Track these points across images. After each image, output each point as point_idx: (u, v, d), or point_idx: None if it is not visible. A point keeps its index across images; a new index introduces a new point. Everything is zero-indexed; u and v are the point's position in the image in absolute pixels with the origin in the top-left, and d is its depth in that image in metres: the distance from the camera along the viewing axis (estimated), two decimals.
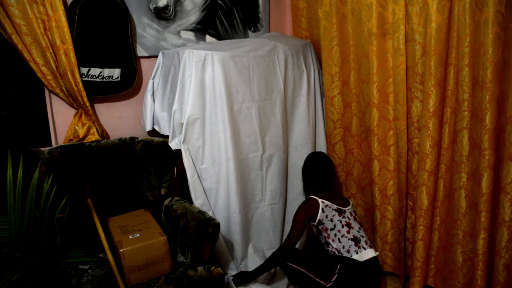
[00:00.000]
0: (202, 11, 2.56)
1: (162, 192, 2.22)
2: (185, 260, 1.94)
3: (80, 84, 2.08)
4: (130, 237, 1.80)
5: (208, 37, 2.62)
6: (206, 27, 2.59)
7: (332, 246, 2.02)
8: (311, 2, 2.67)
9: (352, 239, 2.01)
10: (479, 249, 1.89)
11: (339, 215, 2.07)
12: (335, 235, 2.02)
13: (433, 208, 2.13)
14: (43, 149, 2.04)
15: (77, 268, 1.84)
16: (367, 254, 2.00)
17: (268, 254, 2.27)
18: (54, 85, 2.08)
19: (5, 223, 1.75)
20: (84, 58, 2.10)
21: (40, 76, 2.03)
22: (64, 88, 2.10)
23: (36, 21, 1.94)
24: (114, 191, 2.15)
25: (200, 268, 1.79)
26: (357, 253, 1.98)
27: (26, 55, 1.96)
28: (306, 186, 2.34)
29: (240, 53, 2.21)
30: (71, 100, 2.15)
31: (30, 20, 1.92)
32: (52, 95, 2.18)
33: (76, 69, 2.05)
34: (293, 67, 2.43)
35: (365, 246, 2.02)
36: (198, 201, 2.14)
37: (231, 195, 2.20)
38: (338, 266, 1.94)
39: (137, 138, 2.29)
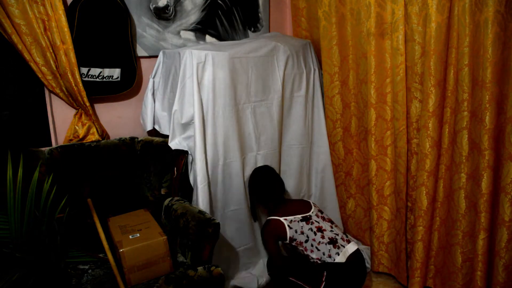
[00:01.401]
0: (202, 11, 2.56)
1: (162, 192, 2.22)
2: (185, 260, 1.94)
3: (80, 84, 2.09)
4: (130, 237, 1.80)
5: (208, 37, 2.62)
6: (206, 27, 2.60)
7: (312, 257, 2.01)
8: (311, 2, 2.67)
9: (329, 243, 2.00)
10: (479, 249, 1.89)
11: (307, 223, 2.04)
12: (312, 245, 2.01)
13: (432, 208, 2.13)
14: (43, 149, 2.04)
15: (77, 268, 1.84)
16: (348, 250, 1.99)
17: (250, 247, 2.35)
18: (54, 85, 2.08)
19: (5, 223, 1.75)
20: (84, 58, 2.10)
21: (40, 76, 2.03)
22: (64, 88, 2.10)
23: (36, 21, 1.94)
24: (114, 191, 2.15)
25: (200, 268, 1.79)
26: (338, 254, 1.97)
27: (26, 55, 1.96)
28: (262, 203, 2.30)
29: (240, 54, 2.22)
30: (71, 100, 2.15)
31: (30, 20, 1.92)
32: (52, 95, 2.19)
33: (76, 69, 2.05)
34: (293, 67, 2.43)
35: (343, 243, 2.02)
36: (202, 207, 2.13)
37: (227, 194, 2.25)
38: (325, 274, 1.93)
39: (137, 138, 2.29)
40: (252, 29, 2.83)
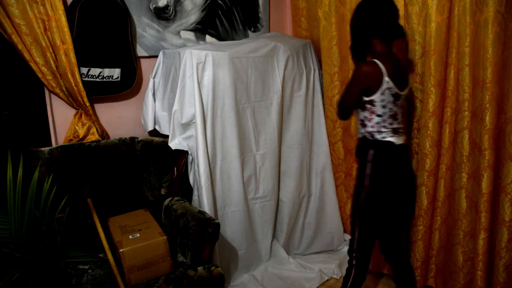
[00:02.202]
0: (202, 11, 2.56)
1: (162, 192, 2.22)
2: (185, 260, 1.94)
3: (80, 84, 2.08)
4: (130, 237, 1.80)
5: (208, 37, 2.62)
6: (206, 27, 2.59)
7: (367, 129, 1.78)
8: (311, 2, 2.67)
9: (392, 131, 1.76)
10: (479, 249, 1.89)
11: (393, 102, 1.73)
12: (377, 123, 1.74)
13: (433, 208, 2.12)
14: (43, 149, 2.04)
15: (77, 268, 1.84)
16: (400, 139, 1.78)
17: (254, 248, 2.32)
18: (54, 85, 2.08)
19: (5, 223, 1.75)
20: (84, 58, 2.10)
21: (40, 76, 2.03)
22: (64, 88, 2.10)
23: (36, 21, 1.94)
24: (114, 191, 2.15)
25: (200, 268, 1.79)
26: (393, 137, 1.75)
27: (26, 55, 1.96)
28: (380, 36, 1.74)
29: (240, 54, 2.22)
30: (71, 100, 2.15)
31: (30, 20, 1.92)
32: (52, 95, 2.19)
33: (76, 69, 2.05)
34: (293, 67, 2.43)
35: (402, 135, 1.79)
36: (207, 208, 2.14)
37: (226, 194, 2.25)
38: (371, 152, 1.74)
39: (137, 138, 2.29)
40: (252, 29, 2.83)
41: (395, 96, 1.73)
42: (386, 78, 1.67)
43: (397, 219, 1.87)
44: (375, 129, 1.75)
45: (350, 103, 1.78)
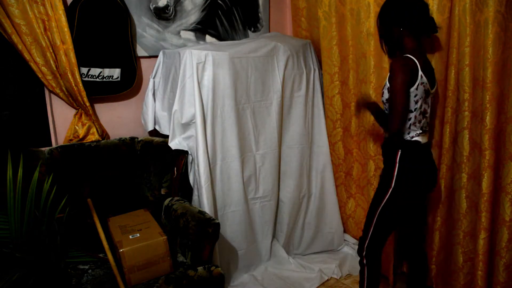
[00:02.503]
0: (202, 11, 2.56)
1: (162, 192, 2.22)
2: (185, 260, 1.94)
3: (80, 84, 2.08)
4: (130, 237, 1.80)
5: (208, 37, 2.62)
6: (206, 27, 2.59)
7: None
8: (311, 2, 2.67)
9: (421, 128, 1.75)
10: (480, 249, 1.88)
11: (424, 99, 1.72)
12: (409, 119, 1.71)
13: (434, 208, 2.12)
14: (43, 149, 2.04)
15: (77, 268, 1.84)
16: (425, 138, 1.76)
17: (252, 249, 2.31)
18: (54, 85, 2.08)
19: (5, 223, 1.75)
20: (84, 58, 2.10)
21: (40, 76, 2.03)
22: (64, 88, 2.10)
23: (36, 21, 1.94)
24: (114, 191, 2.15)
25: (200, 268, 1.79)
26: (418, 135, 1.73)
27: (26, 55, 1.96)
28: (413, 31, 1.72)
29: (240, 54, 2.22)
30: (71, 100, 2.15)
31: (30, 20, 1.92)
32: (52, 95, 2.18)
33: (76, 69, 2.05)
34: (293, 67, 2.43)
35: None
36: (207, 208, 2.14)
37: (226, 194, 2.25)
38: (399, 152, 1.73)
39: (137, 138, 2.29)
40: (252, 29, 2.83)
41: (427, 93, 1.72)
42: (421, 72, 1.67)
43: (420, 219, 1.89)
44: (405, 127, 1.73)
45: (403, 101, 1.64)
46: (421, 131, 1.75)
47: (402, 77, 1.63)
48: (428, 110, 1.79)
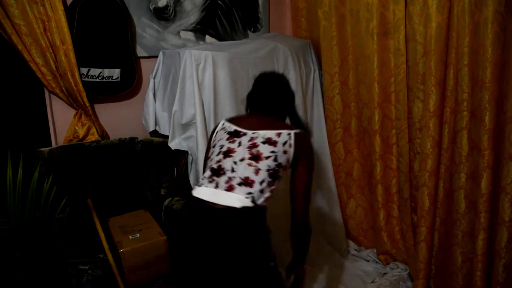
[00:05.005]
0: (202, 11, 2.56)
1: (162, 192, 2.22)
2: None
3: (80, 85, 2.09)
4: (130, 237, 1.80)
5: (208, 37, 2.62)
6: (205, 27, 2.60)
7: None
8: (311, 2, 2.67)
9: (211, 170, 1.40)
10: (479, 249, 1.88)
11: (229, 139, 1.44)
12: (210, 159, 1.46)
13: (434, 208, 2.12)
14: (43, 149, 2.04)
15: (77, 268, 1.84)
16: (213, 194, 1.34)
17: None
18: (54, 85, 2.08)
19: (5, 223, 1.75)
20: (84, 59, 2.10)
21: (40, 76, 2.03)
22: (64, 89, 2.10)
23: (36, 21, 1.94)
24: (114, 192, 2.15)
25: None
26: (200, 186, 1.38)
27: (26, 55, 1.97)
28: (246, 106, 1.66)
29: (240, 54, 2.22)
30: (71, 100, 2.15)
31: (30, 20, 1.92)
32: (52, 95, 2.19)
33: (76, 69, 2.05)
34: (293, 68, 2.43)
35: (222, 183, 1.34)
36: None
37: None
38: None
39: (137, 138, 2.29)
40: (252, 29, 2.83)
41: None
42: None
43: None
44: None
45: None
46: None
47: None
48: None
